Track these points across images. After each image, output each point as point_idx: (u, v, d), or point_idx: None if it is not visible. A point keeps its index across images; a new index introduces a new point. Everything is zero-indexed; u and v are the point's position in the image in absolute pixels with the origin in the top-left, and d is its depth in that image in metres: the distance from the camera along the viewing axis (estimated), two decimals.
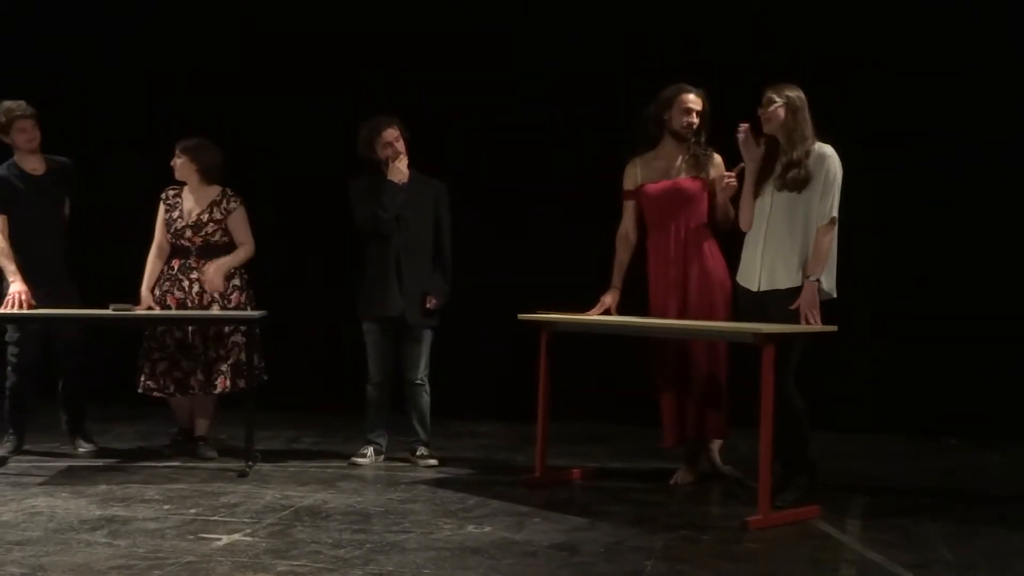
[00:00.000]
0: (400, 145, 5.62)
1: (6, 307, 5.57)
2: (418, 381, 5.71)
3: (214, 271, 5.66)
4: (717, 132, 5.24)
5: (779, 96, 4.81)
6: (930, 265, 6.67)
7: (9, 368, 5.82)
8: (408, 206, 5.63)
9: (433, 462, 5.65)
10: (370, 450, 5.72)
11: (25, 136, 5.79)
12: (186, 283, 5.74)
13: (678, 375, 5.23)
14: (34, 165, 5.87)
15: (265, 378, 5.85)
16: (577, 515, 4.59)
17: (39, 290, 5.69)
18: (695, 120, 5.21)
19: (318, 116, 7.32)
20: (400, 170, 5.61)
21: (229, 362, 5.69)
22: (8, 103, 5.80)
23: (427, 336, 5.72)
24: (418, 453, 5.73)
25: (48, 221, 5.86)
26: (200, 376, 5.67)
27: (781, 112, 4.81)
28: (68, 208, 5.99)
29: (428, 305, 5.65)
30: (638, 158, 5.34)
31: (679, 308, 5.18)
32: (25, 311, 5.57)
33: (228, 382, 5.67)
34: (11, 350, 5.81)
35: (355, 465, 5.63)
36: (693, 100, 5.21)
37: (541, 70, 7.16)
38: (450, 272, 5.77)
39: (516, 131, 7.16)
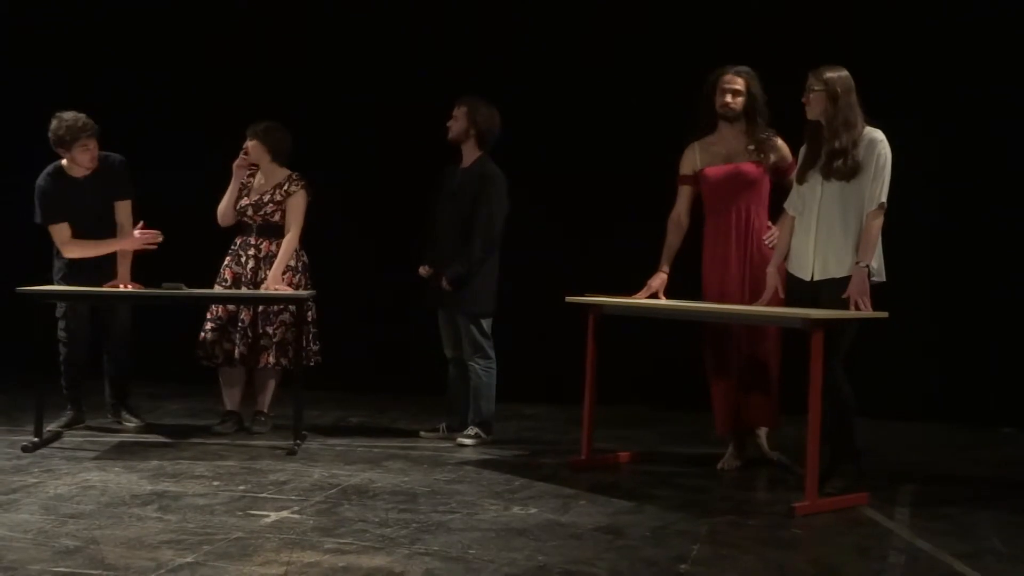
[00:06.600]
0: None
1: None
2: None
3: (271, 281, 5.71)
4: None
5: (818, 82, 4.69)
6: (988, 251, 6.55)
7: (60, 343, 5.92)
8: None
9: (469, 442, 5.68)
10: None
11: (88, 156, 5.69)
12: (243, 258, 5.87)
13: (729, 361, 5.19)
14: (80, 171, 5.77)
15: (314, 362, 5.88)
16: (623, 498, 4.58)
17: (86, 283, 5.75)
18: (729, 100, 5.11)
19: (383, 103, 7.39)
20: None
21: (275, 340, 5.79)
22: (70, 119, 5.61)
23: None
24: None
25: (92, 221, 5.80)
26: (243, 349, 5.77)
27: (819, 99, 4.69)
28: (129, 206, 5.90)
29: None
30: (696, 143, 5.28)
31: (735, 293, 5.13)
32: (78, 288, 5.67)
33: (271, 358, 5.78)
34: (60, 324, 5.91)
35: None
36: (729, 80, 5.12)
37: (594, 54, 7.12)
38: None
39: (567, 114, 7.13)
